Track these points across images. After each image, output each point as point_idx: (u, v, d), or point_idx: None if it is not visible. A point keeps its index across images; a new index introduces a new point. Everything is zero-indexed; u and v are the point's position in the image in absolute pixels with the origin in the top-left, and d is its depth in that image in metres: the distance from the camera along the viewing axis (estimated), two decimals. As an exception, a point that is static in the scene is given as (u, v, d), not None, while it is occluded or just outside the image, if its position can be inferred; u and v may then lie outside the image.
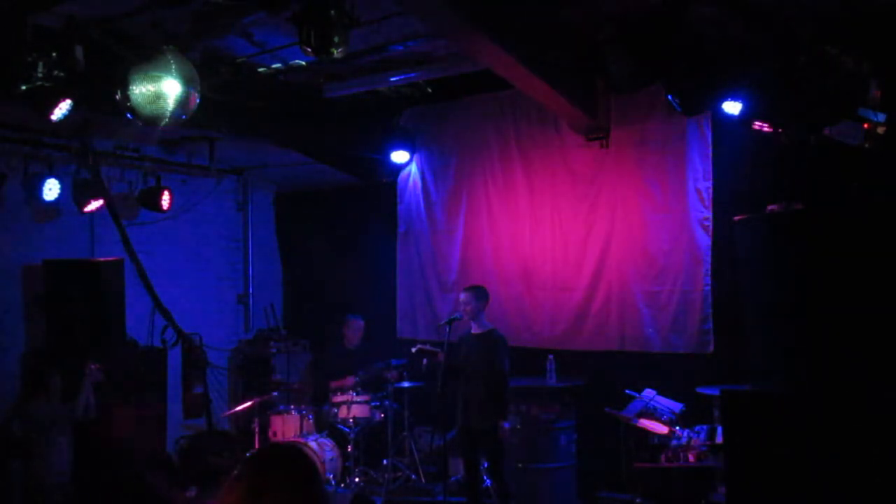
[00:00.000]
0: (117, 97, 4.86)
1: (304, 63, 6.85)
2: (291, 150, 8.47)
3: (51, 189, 7.28)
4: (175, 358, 8.34)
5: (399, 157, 8.52)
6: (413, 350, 7.15)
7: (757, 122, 5.78)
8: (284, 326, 9.89)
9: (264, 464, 2.02)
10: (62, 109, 5.46)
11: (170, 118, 4.81)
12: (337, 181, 9.45)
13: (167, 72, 4.72)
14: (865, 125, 5.10)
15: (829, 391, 4.85)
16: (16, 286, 7.52)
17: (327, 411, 7.94)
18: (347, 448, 7.60)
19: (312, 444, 7.35)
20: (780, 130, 5.81)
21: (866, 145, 5.15)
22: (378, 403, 7.83)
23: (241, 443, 8.45)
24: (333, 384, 8.18)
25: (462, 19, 5.56)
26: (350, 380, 8.07)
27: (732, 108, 5.94)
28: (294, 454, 2.05)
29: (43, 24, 5.19)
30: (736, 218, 6.07)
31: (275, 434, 7.83)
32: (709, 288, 6.83)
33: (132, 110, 4.83)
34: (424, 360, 7.15)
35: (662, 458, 6.00)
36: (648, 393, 6.37)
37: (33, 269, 7.48)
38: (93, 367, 6.33)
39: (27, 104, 5.42)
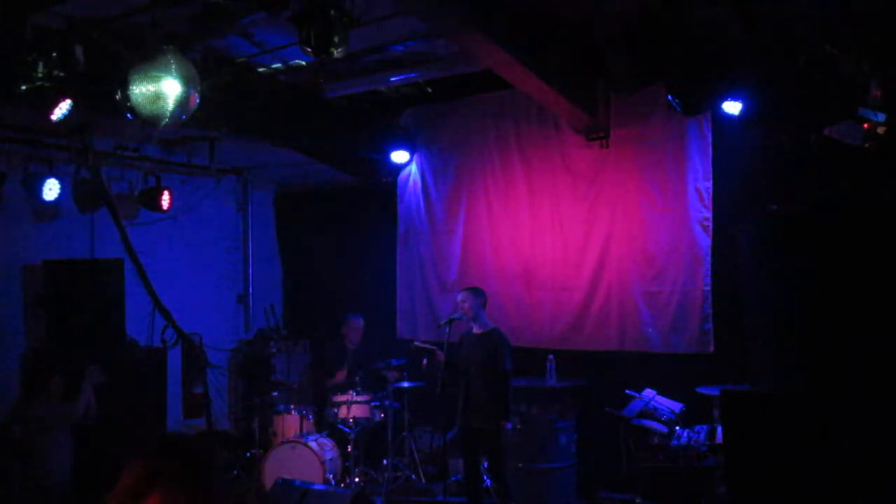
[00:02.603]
0: (117, 97, 4.85)
1: (304, 63, 6.85)
2: (291, 150, 8.47)
3: (51, 189, 7.27)
4: (175, 358, 8.33)
5: (399, 157, 8.52)
6: (413, 345, 7.16)
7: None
8: (284, 326, 9.89)
9: (162, 450, 2.02)
10: (62, 109, 5.45)
11: (170, 118, 4.80)
12: (337, 181, 9.46)
13: (167, 72, 4.71)
14: (865, 125, 5.10)
15: (829, 391, 4.85)
16: (16, 286, 7.51)
17: (327, 411, 7.94)
18: (347, 448, 7.60)
19: (312, 444, 7.35)
20: (779, 130, 5.81)
21: (866, 145, 5.15)
22: (378, 403, 7.83)
23: (241, 443, 8.46)
24: (329, 382, 8.19)
25: (462, 19, 5.57)
26: (341, 374, 8.07)
27: (732, 108, 5.94)
28: (192, 444, 2.06)
29: (43, 24, 5.19)
30: (736, 218, 6.08)
31: (275, 434, 7.83)
32: (709, 288, 6.83)
33: (132, 110, 4.82)
34: (424, 360, 7.16)
35: (662, 458, 6.00)
36: (648, 393, 6.37)
37: (33, 269, 7.48)
38: (93, 368, 6.32)
39: (27, 104, 5.42)
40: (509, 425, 6.49)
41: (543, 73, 6.38)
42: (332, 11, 4.60)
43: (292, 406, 8.01)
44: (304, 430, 7.66)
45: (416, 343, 7.17)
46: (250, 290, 9.84)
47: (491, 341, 6.62)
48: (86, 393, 6.22)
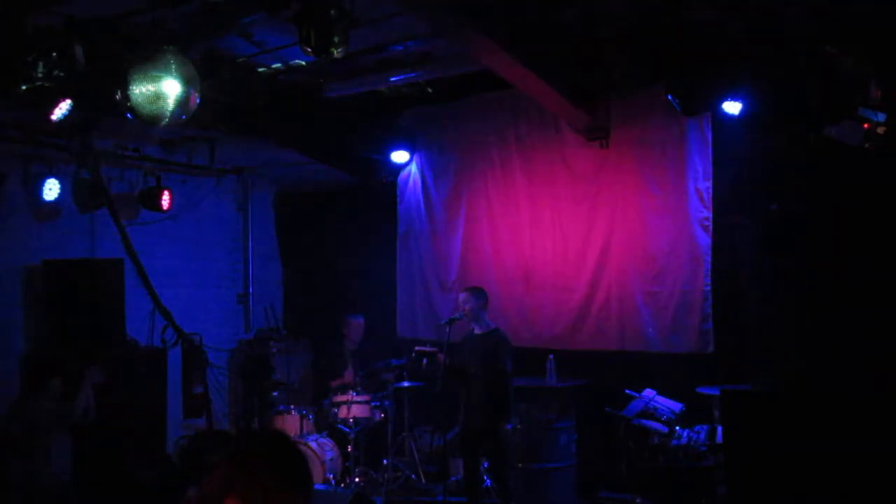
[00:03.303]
0: (117, 97, 4.85)
1: (304, 63, 6.84)
2: (291, 150, 8.47)
3: (51, 189, 7.28)
4: (175, 358, 8.32)
5: (399, 157, 8.52)
6: (413, 354, 7.18)
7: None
8: (284, 326, 9.89)
9: (250, 447, 2.00)
10: (62, 109, 5.45)
11: (170, 118, 4.80)
12: (337, 181, 9.45)
13: (167, 72, 4.71)
14: (865, 125, 5.10)
15: (829, 391, 4.85)
16: (16, 286, 7.51)
17: (327, 411, 7.94)
18: (347, 448, 7.60)
19: (312, 444, 7.35)
20: (779, 130, 5.81)
21: (866, 145, 5.15)
22: (378, 403, 7.83)
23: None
24: (333, 383, 8.18)
25: (462, 19, 5.56)
26: (349, 374, 8.07)
27: (732, 108, 5.94)
28: (281, 442, 2.02)
29: (43, 24, 5.19)
30: (736, 218, 6.08)
31: (275, 434, 7.82)
32: (709, 288, 6.82)
33: (132, 110, 4.82)
34: (424, 360, 7.18)
35: (662, 458, 6.00)
36: (648, 393, 6.37)
37: (33, 269, 7.48)
38: (93, 368, 6.32)
39: (27, 104, 5.41)
40: (509, 426, 6.49)
41: (543, 73, 6.38)
42: (332, 11, 4.60)
43: (292, 406, 8.01)
44: (304, 430, 7.66)
45: (416, 348, 7.20)
46: (250, 290, 9.83)
47: (491, 342, 6.62)
48: (85, 393, 6.22)
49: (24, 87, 5.02)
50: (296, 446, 2.07)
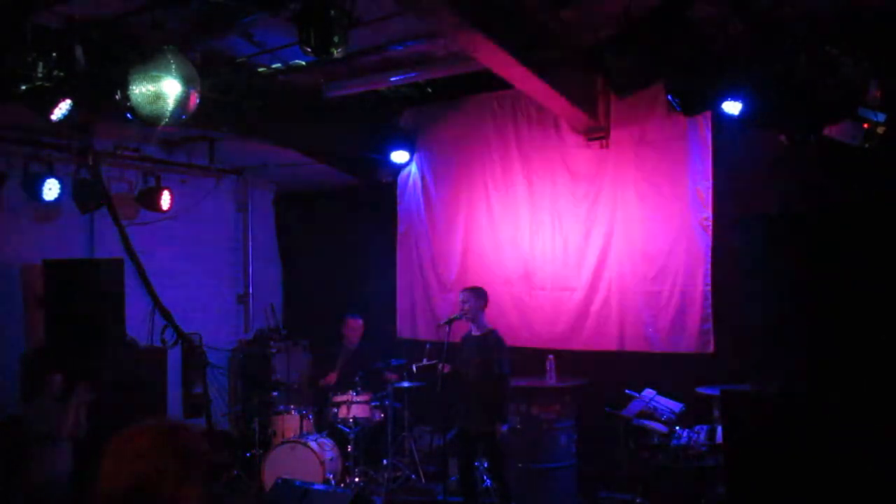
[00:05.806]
0: (117, 97, 4.86)
1: (304, 63, 6.85)
2: (291, 150, 8.47)
3: (51, 189, 7.27)
4: (175, 358, 8.34)
5: (399, 157, 8.52)
6: (414, 369, 7.33)
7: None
8: (284, 326, 9.89)
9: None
10: (62, 109, 5.45)
11: (170, 118, 4.81)
12: (337, 181, 9.46)
13: (167, 72, 4.72)
14: (865, 125, 5.10)
15: (829, 391, 4.85)
16: (16, 286, 7.52)
17: (327, 411, 7.94)
18: (347, 448, 7.60)
19: (312, 444, 7.35)
20: (779, 131, 5.81)
21: (866, 145, 5.15)
22: (378, 403, 7.82)
23: (241, 443, 8.46)
24: (321, 382, 8.22)
25: (462, 19, 5.57)
26: (332, 376, 8.10)
27: (732, 108, 5.93)
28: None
29: (43, 24, 5.19)
30: (736, 218, 6.08)
31: (275, 434, 7.83)
32: (709, 288, 6.83)
33: (132, 110, 4.83)
34: (424, 360, 7.24)
35: (662, 458, 6.00)
36: (648, 393, 6.37)
37: (33, 269, 7.49)
38: (80, 386, 6.18)
39: (27, 104, 5.42)
40: (505, 427, 6.47)
41: (543, 73, 6.39)
42: (332, 11, 4.60)
43: (292, 406, 8.01)
44: (304, 430, 7.65)
45: (415, 367, 7.34)
46: (250, 290, 9.84)
47: (488, 344, 6.60)
48: (74, 413, 6.08)
49: (24, 87, 5.02)
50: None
